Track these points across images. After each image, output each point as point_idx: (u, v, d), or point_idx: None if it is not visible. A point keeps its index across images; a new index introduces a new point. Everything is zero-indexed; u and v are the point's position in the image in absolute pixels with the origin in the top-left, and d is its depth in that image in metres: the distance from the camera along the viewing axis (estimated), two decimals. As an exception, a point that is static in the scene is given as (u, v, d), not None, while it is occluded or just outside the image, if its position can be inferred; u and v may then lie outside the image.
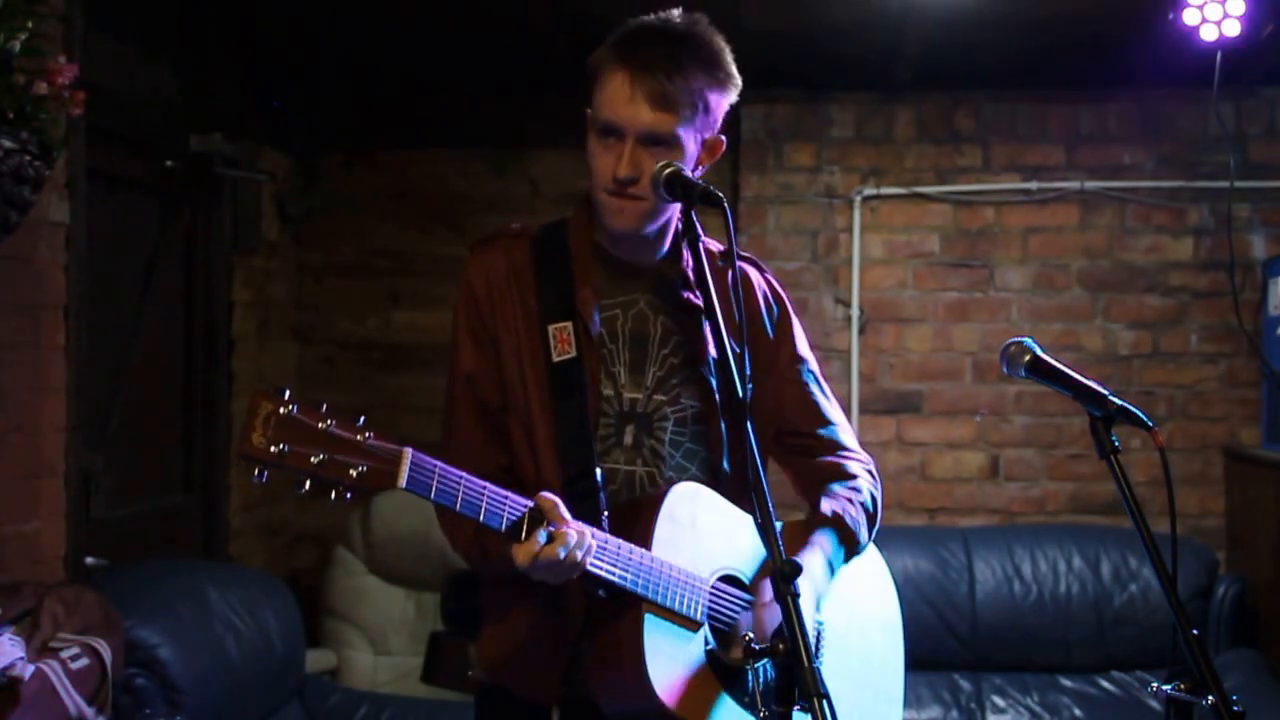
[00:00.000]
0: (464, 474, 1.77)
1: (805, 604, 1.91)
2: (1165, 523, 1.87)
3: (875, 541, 2.28)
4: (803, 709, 1.61)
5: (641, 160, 1.96)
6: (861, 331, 4.91)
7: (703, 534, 2.00)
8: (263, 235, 4.81)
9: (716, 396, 2.07)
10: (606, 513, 1.96)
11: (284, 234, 5.06)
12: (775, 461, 2.23)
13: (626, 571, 1.89)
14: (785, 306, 2.23)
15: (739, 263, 2.19)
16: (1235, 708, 1.68)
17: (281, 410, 1.65)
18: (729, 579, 2.02)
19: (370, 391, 5.05)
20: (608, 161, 1.98)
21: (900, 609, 2.30)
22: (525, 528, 1.80)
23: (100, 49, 3.61)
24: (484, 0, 4.08)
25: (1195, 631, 1.75)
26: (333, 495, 1.69)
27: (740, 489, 2.07)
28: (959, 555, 4.50)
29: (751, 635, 1.93)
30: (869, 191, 4.93)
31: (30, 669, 2.76)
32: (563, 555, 1.79)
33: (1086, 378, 1.92)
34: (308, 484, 1.67)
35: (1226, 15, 4.02)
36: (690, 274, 2.07)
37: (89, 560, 3.49)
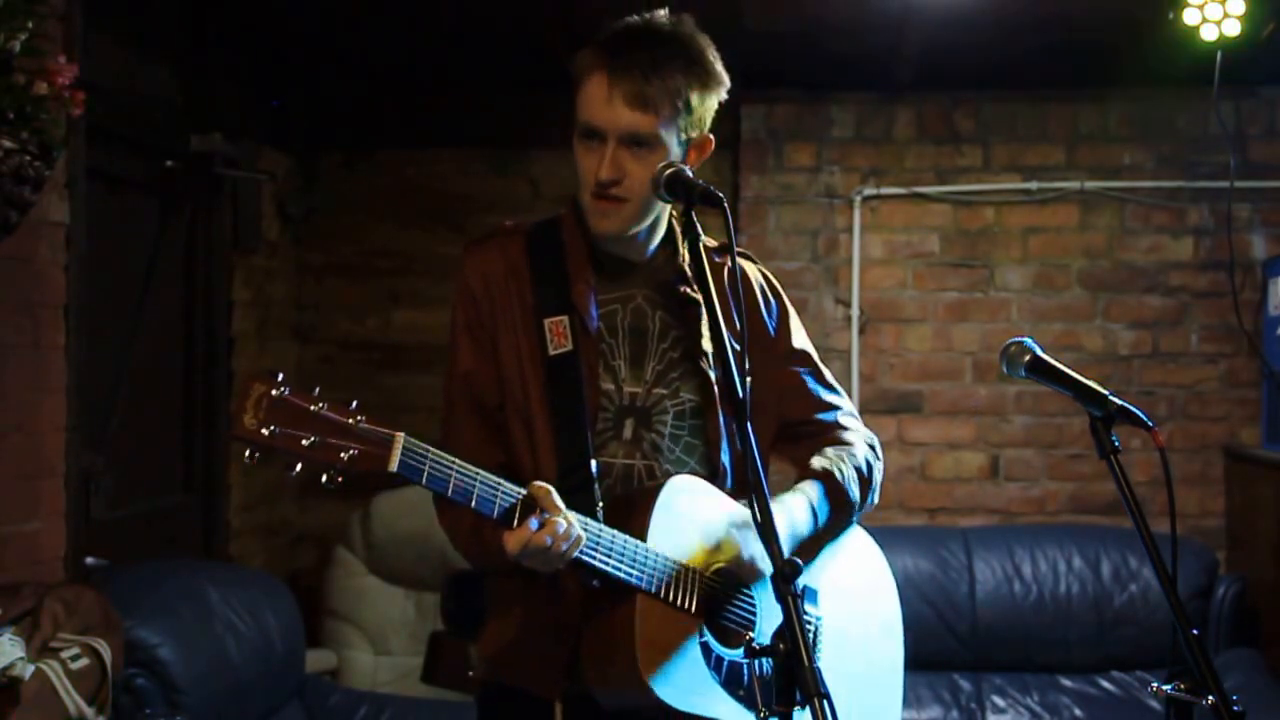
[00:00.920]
0: (456, 460, 1.79)
1: (780, 534, 1.84)
2: (1165, 523, 1.87)
3: (875, 541, 2.28)
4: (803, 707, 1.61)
5: (623, 161, 1.97)
6: (861, 331, 4.91)
7: (699, 526, 2.00)
8: (263, 235, 4.81)
9: (715, 391, 2.08)
10: (602, 504, 1.97)
11: (284, 234, 5.06)
12: (778, 455, 2.23)
13: (620, 561, 1.90)
14: (783, 301, 2.24)
15: (738, 260, 2.21)
16: (1235, 708, 1.68)
17: (273, 392, 1.67)
18: (723, 571, 2.02)
19: (370, 391, 5.04)
20: (590, 164, 1.99)
21: (900, 607, 2.30)
22: (517, 515, 1.82)
23: (100, 49, 3.61)
24: (484, 0, 4.08)
25: (1195, 631, 1.75)
26: (324, 479, 1.70)
27: (739, 483, 2.08)
28: (959, 555, 4.50)
29: (753, 635, 1.93)
30: (869, 191, 4.93)
31: (30, 669, 2.76)
32: (549, 542, 1.80)
33: (1086, 378, 1.92)
34: (299, 466, 1.68)
35: (1226, 15, 4.03)
36: (688, 269, 2.07)
37: (89, 560, 3.49)
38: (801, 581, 2.02)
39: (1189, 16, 4.05)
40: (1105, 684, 4.40)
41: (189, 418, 4.46)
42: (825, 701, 1.57)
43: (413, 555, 4.62)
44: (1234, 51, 4.15)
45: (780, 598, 1.67)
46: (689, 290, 2.08)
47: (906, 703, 4.29)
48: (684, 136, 2.00)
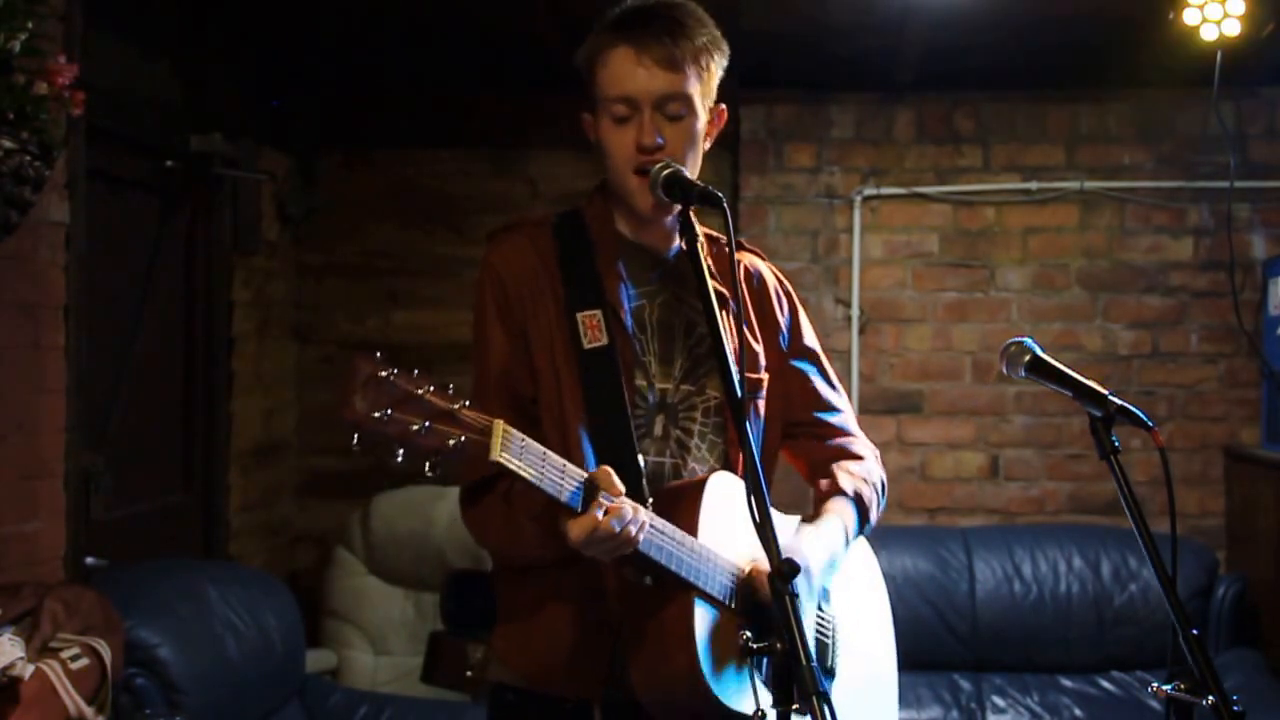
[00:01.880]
0: (545, 450, 1.70)
1: (816, 569, 1.94)
2: (1165, 523, 1.87)
3: (874, 540, 2.28)
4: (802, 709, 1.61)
5: (663, 127, 1.97)
6: (861, 331, 4.92)
7: (737, 523, 1.97)
8: (262, 235, 4.81)
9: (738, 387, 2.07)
10: (651, 500, 1.90)
11: (284, 234, 5.06)
12: (785, 452, 2.24)
13: (680, 556, 1.84)
14: (794, 298, 2.27)
15: (751, 258, 2.24)
16: (1235, 708, 1.68)
17: (382, 373, 1.57)
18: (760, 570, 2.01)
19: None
20: (628, 137, 1.97)
21: (891, 607, 2.31)
22: (582, 501, 1.74)
23: (100, 49, 3.61)
24: (484, 1, 4.08)
25: (1195, 631, 1.75)
26: (427, 467, 1.59)
27: (751, 482, 2.07)
28: (959, 555, 4.50)
29: (749, 634, 1.91)
30: (869, 191, 4.93)
31: (30, 669, 2.76)
32: (618, 529, 1.73)
33: (1086, 378, 1.92)
34: (401, 453, 1.57)
35: (1226, 15, 4.03)
36: (712, 266, 2.05)
37: (89, 560, 3.49)
38: (819, 583, 2.03)
39: (1189, 16, 4.05)
40: (1105, 684, 4.40)
41: (189, 418, 4.46)
42: (825, 701, 1.56)
43: (413, 555, 4.62)
44: (1234, 51, 4.16)
45: (776, 596, 1.66)
46: (716, 286, 2.05)
47: (907, 702, 4.33)
48: (707, 102, 2.02)
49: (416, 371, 1.62)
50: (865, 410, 4.85)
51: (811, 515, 2.12)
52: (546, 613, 2.00)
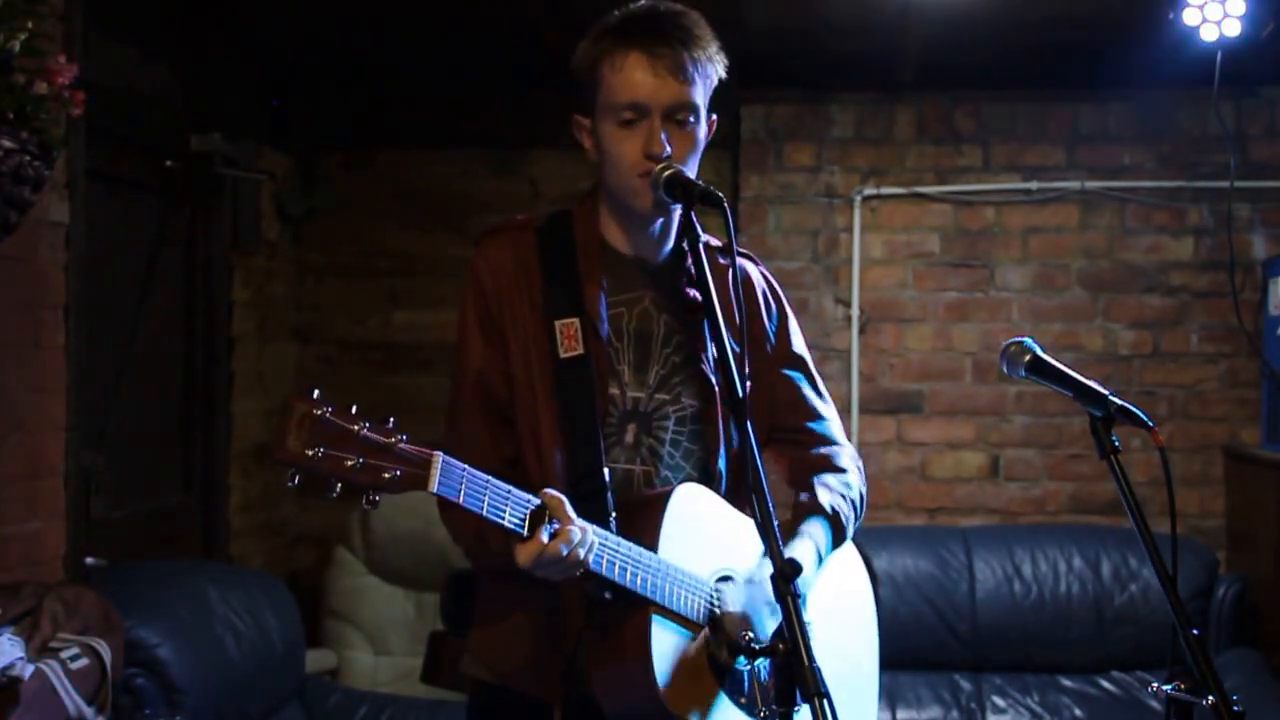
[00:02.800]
0: (489, 477, 1.75)
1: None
2: (1165, 523, 1.87)
3: (874, 540, 2.28)
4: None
5: (670, 135, 1.98)
6: (861, 331, 4.91)
7: (704, 535, 2.00)
8: (263, 235, 4.81)
9: (717, 396, 2.07)
10: (614, 514, 1.95)
11: (284, 234, 5.06)
12: (768, 454, 2.23)
13: (636, 573, 1.88)
14: (783, 303, 2.24)
15: (739, 260, 2.20)
16: (1235, 708, 1.68)
17: (316, 412, 1.61)
18: (726, 579, 2.02)
19: (370, 391, 5.04)
20: (635, 143, 1.98)
21: (876, 605, 2.31)
22: (527, 525, 1.78)
23: (100, 49, 3.61)
24: (484, 1, 4.08)
25: (1195, 631, 1.75)
26: (363, 500, 1.65)
27: (736, 489, 2.08)
28: (959, 555, 4.50)
29: (752, 635, 1.92)
30: (869, 191, 4.92)
31: (30, 669, 2.76)
32: (565, 553, 1.78)
33: (1086, 378, 1.92)
34: (339, 488, 1.63)
35: (1226, 15, 4.03)
36: (693, 272, 2.06)
37: (89, 560, 3.49)
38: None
39: (1189, 16, 4.05)
40: (1105, 684, 4.40)
41: (189, 418, 4.46)
42: (826, 701, 1.57)
43: (413, 555, 4.62)
44: (1234, 51, 4.15)
45: (780, 598, 1.67)
46: (695, 294, 2.06)
47: (907, 702, 4.33)
48: (708, 110, 2.03)
49: (355, 408, 1.66)
50: (865, 410, 4.85)
51: (788, 523, 2.12)
52: (513, 616, 2.05)
